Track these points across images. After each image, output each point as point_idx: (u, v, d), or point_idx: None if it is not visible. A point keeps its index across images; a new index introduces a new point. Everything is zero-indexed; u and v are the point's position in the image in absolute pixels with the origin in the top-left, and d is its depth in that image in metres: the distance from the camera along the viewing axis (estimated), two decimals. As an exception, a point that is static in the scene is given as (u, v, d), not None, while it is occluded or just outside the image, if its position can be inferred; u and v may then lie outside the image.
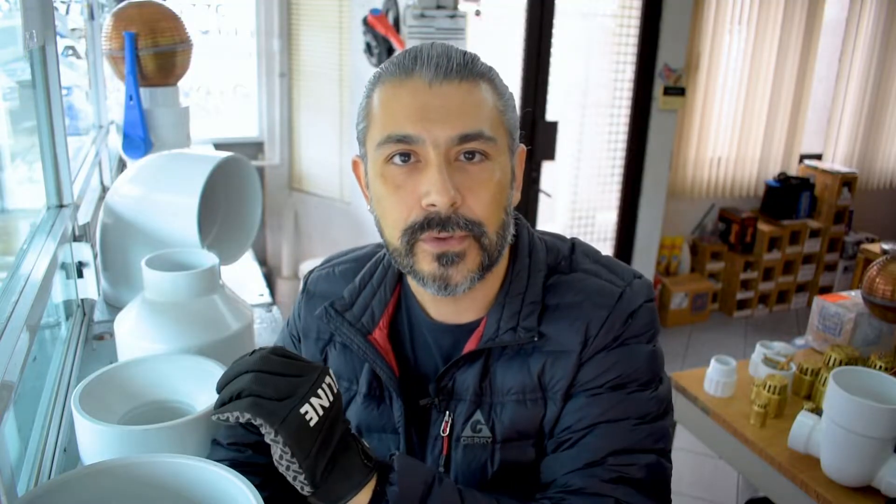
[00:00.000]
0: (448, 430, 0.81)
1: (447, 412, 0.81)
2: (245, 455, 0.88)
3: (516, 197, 0.82)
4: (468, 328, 0.84)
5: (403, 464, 0.71)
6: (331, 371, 0.69)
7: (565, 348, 0.79)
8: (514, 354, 0.81)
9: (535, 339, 0.79)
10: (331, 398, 0.67)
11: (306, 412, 0.65)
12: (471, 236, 0.74)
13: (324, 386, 0.67)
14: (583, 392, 0.79)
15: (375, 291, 0.87)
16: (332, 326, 0.86)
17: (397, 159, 0.74)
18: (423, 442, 0.84)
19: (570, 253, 0.87)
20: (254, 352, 0.69)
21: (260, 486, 0.84)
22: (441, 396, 0.82)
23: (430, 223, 0.73)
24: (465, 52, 0.76)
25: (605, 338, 0.79)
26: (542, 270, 0.83)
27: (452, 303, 0.83)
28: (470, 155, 0.73)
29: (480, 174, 0.74)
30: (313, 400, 0.65)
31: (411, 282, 0.84)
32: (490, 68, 0.78)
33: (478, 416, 0.81)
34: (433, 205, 0.72)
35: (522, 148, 0.83)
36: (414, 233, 0.74)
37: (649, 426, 0.78)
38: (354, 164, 0.85)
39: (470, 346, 0.82)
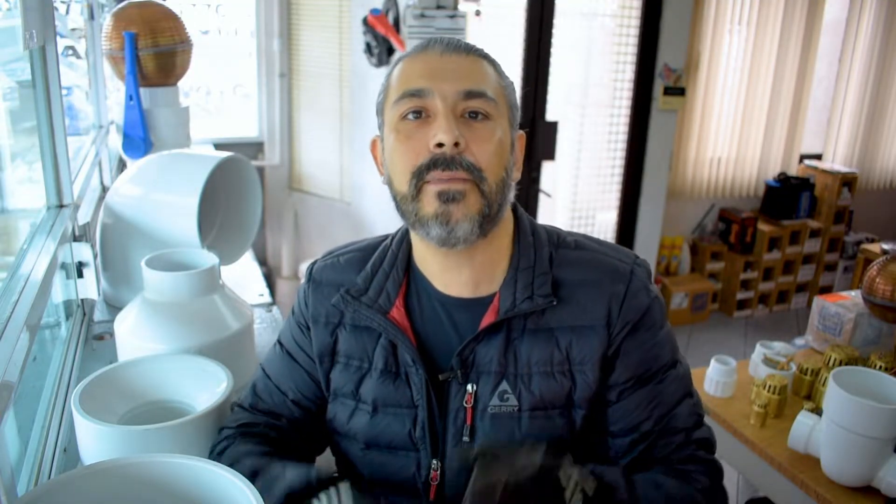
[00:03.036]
0: (472, 401, 0.86)
1: (469, 384, 0.86)
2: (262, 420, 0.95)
3: (516, 174, 0.89)
4: (481, 302, 0.88)
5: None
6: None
7: (589, 323, 0.86)
8: (538, 329, 0.86)
9: (554, 303, 0.85)
10: None
11: None
12: (471, 180, 0.81)
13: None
14: (638, 385, 0.87)
15: (388, 274, 0.92)
16: (351, 310, 0.91)
17: (410, 116, 0.82)
18: (442, 414, 0.88)
19: (568, 234, 0.95)
20: None
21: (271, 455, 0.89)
22: (462, 369, 0.86)
23: (436, 163, 0.80)
24: (466, 43, 0.87)
25: (630, 314, 0.86)
26: (545, 246, 0.90)
27: (457, 272, 0.88)
28: (474, 114, 0.82)
29: (483, 129, 0.82)
30: None
31: (417, 253, 0.91)
32: (496, 61, 0.88)
33: (504, 385, 0.86)
34: (440, 144, 0.79)
35: (522, 134, 0.90)
36: (421, 174, 0.81)
37: (695, 398, 0.91)
38: (373, 143, 0.92)
39: (489, 318, 0.86)
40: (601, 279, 0.87)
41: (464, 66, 0.83)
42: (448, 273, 0.89)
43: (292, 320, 0.99)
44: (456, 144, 0.79)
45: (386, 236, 0.97)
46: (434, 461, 0.88)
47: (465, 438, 0.86)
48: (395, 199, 0.86)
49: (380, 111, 0.88)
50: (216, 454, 0.90)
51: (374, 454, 0.91)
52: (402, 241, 0.94)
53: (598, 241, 0.95)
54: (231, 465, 0.75)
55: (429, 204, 0.81)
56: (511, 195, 0.87)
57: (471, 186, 0.81)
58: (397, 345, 0.88)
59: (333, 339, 0.93)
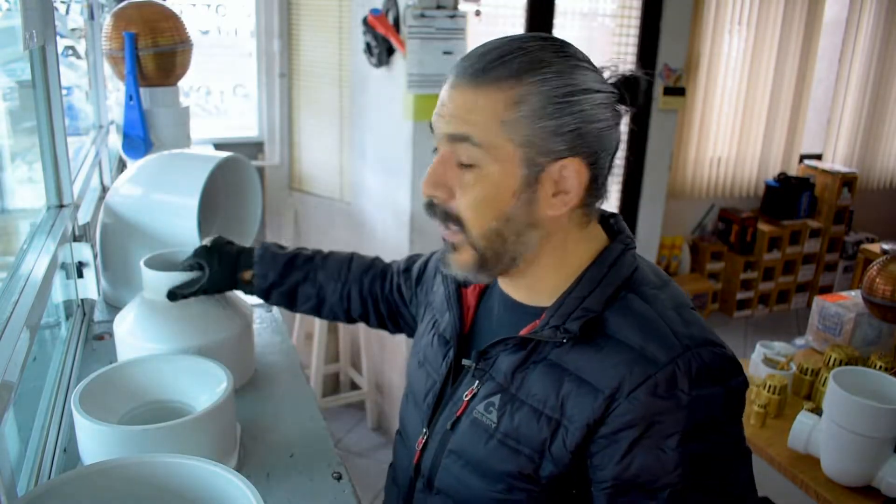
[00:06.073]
0: (471, 396, 0.86)
1: (477, 382, 0.86)
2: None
3: (551, 210, 0.78)
4: (528, 311, 0.86)
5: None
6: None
7: (596, 383, 0.76)
8: (555, 364, 0.80)
9: (564, 341, 0.78)
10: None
11: None
12: (461, 233, 0.80)
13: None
14: (631, 495, 0.74)
15: None
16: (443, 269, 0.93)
17: (434, 149, 0.83)
18: (449, 394, 0.91)
19: (658, 286, 0.82)
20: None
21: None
22: (481, 366, 0.87)
23: (427, 208, 0.84)
24: (507, 54, 0.75)
25: (637, 408, 0.73)
26: (612, 285, 0.80)
27: (514, 282, 0.88)
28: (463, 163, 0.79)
29: (466, 178, 0.78)
30: None
31: None
32: (532, 77, 0.74)
33: (495, 399, 0.83)
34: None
35: (566, 162, 0.76)
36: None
37: None
38: None
39: (524, 331, 0.85)
40: (638, 346, 0.75)
41: (460, 102, 0.76)
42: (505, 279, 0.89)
43: (422, 258, 1.14)
44: (433, 198, 0.81)
45: None
46: (425, 430, 0.92)
47: (448, 427, 0.88)
48: None
49: None
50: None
51: (410, 396, 1.00)
52: None
53: (681, 305, 0.80)
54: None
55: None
56: (528, 238, 0.79)
57: (462, 239, 0.81)
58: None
59: (434, 285, 1.04)
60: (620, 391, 0.73)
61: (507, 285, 0.89)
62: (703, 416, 0.73)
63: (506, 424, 0.81)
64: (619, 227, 0.88)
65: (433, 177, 0.80)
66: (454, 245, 0.82)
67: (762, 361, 1.86)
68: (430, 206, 0.82)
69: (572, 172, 0.77)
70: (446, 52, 2.73)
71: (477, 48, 0.79)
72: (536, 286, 0.85)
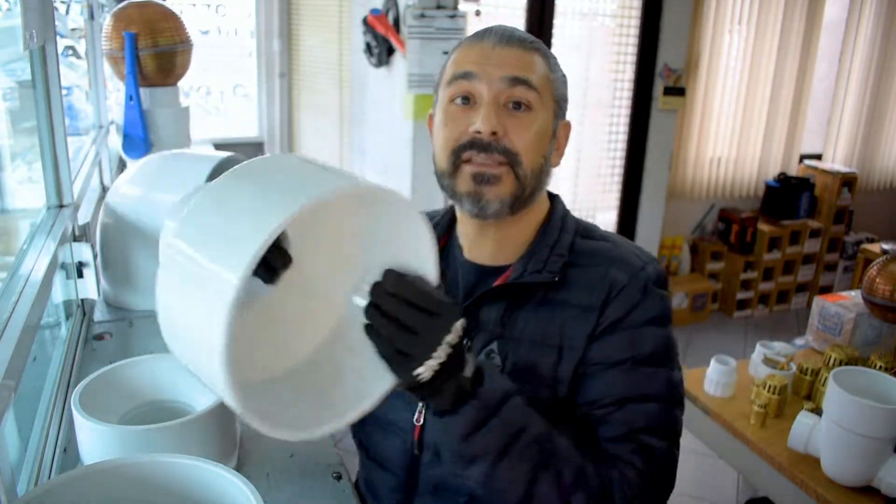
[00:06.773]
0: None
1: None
2: None
3: (556, 159, 0.95)
4: (493, 270, 0.95)
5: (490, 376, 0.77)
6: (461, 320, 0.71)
7: (587, 303, 0.89)
8: (543, 303, 0.91)
9: (555, 279, 0.90)
10: (450, 350, 0.69)
11: (418, 374, 0.68)
12: (507, 164, 0.88)
13: (449, 339, 0.69)
14: (610, 366, 0.88)
15: (433, 230, 0.97)
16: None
17: (459, 101, 0.89)
18: None
19: (602, 230, 1.00)
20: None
21: None
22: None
23: (473, 144, 0.87)
24: (528, 35, 0.93)
25: (624, 303, 0.89)
26: (570, 234, 0.95)
27: (483, 240, 0.96)
28: (517, 105, 0.88)
29: (524, 119, 0.88)
30: (429, 362, 0.67)
31: (459, 218, 0.99)
32: (550, 53, 0.94)
33: (493, 345, 0.91)
34: (478, 132, 0.86)
35: (567, 123, 0.96)
36: (459, 152, 0.89)
37: (672, 415, 0.89)
38: (430, 117, 0.99)
39: (498, 282, 0.93)
40: (610, 266, 0.91)
41: (513, 56, 0.88)
42: (476, 240, 0.97)
43: None
44: (494, 133, 0.86)
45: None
46: (420, 405, 0.95)
47: None
48: (435, 173, 0.94)
49: (435, 90, 0.96)
50: None
51: None
52: (451, 209, 1.03)
53: (628, 241, 0.99)
54: None
55: (464, 183, 0.89)
56: (548, 180, 0.94)
57: (506, 170, 0.88)
58: None
59: None
60: (608, 298, 0.89)
61: (476, 247, 0.97)
62: (660, 311, 0.91)
63: (512, 362, 0.90)
64: (552, 194, 1.02)
65: (493, 116, 0.86)
66: (496, 176, 0.87)
67: (762, 361, 1.86)
68: (489, 144, 0.86)
69: (564, 131, 0.97)
70: (446, 52, 2.73)
71: (495, 27, 0.91)
72: (507, 241, 0.95)
